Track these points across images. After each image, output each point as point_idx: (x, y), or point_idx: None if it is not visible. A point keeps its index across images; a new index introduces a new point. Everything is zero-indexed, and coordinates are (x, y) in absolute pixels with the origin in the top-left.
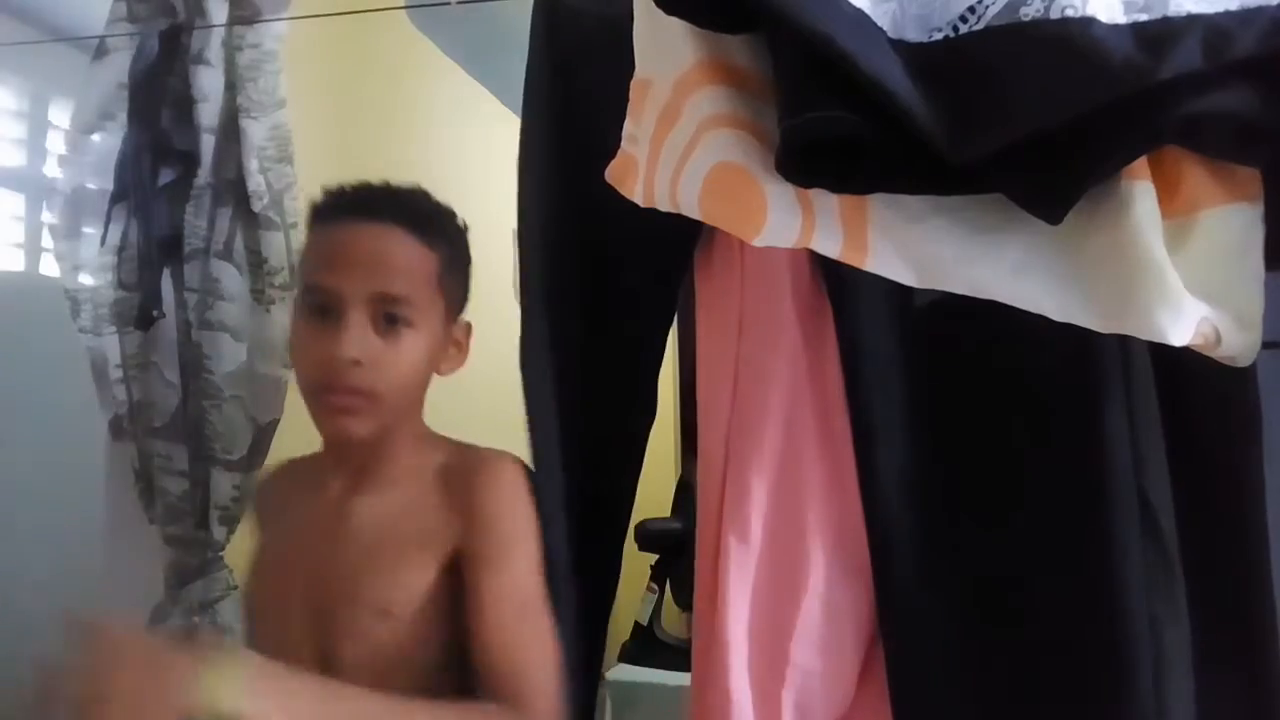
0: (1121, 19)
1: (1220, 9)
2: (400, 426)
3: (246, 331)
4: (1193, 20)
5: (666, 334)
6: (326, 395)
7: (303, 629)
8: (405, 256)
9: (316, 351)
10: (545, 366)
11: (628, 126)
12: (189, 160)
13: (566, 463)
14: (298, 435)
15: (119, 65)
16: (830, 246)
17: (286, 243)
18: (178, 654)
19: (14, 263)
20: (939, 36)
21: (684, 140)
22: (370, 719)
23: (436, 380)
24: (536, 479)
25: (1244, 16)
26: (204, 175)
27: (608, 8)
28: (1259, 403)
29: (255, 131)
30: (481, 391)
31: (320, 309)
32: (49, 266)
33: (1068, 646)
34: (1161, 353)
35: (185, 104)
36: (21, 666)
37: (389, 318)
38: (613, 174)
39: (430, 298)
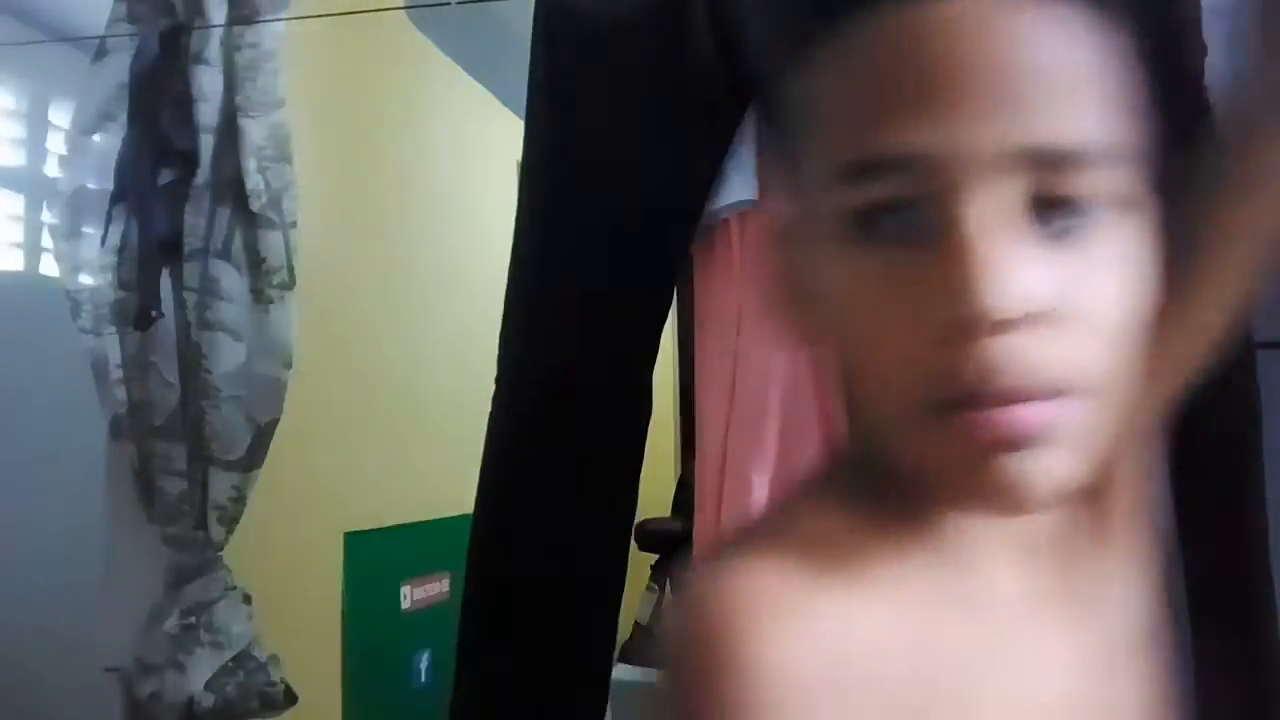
0: None
1: None
2: (1124, 456)
3: (245, 331)
4: None
5: (662, 329)
6: (968, 414)
7: None
8: (1080, 64)
9: (916, 310)
10: (539, 365)
11: None
12: (188, 160)
13: (566, 465)
14: (298, 435)
15: (119, 65)
16: None
17: (285, 242)
18: None
19: (14, 263)
20: None
21: None
22: None
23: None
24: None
25: None
26: (203, 175)
27: (608, 8)
28: (1259, 403)
29: (254, 131)
30: (480, 397)
31: (905, 220)
32: (49, 266)
33: None
34: None
35: (185, 104)
36: (22, 663)
37: (1050, 218)
38: None
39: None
